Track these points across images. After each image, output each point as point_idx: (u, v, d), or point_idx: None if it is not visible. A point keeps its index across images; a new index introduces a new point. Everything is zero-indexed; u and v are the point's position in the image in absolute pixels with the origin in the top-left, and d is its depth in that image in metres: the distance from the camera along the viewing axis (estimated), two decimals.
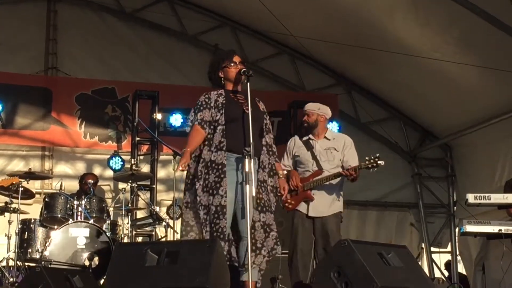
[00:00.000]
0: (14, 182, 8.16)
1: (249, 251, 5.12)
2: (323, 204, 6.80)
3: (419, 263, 11.35)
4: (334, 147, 6.87)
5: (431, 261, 12.08)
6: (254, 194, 5.15)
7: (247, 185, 5.14)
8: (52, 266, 7.84)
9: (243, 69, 5.50)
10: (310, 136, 6.95)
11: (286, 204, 6.83)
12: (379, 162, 6.56)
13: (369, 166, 6.59)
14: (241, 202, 5.29)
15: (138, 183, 9.89)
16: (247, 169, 5.17)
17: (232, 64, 5.60)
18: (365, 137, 12.18)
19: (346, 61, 11.62)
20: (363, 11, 9.66)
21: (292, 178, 6.78)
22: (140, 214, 10.06)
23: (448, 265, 12.05)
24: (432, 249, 12.22)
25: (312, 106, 7.04)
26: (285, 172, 6.23)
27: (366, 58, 10.63)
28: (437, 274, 11.96)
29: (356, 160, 6.79)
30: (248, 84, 5.43)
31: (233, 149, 5.38)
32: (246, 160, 5.18)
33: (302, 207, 6.81)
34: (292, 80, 12.19)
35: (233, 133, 5.40)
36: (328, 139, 6.94)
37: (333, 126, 10.76)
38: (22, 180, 8.27)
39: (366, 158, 6.65)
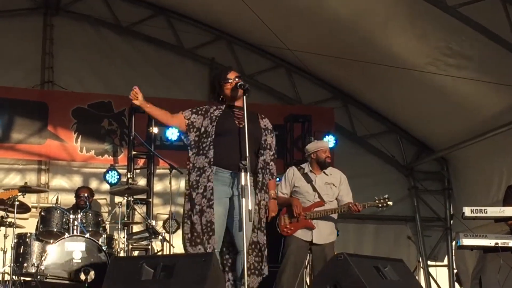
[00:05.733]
0: (12, 195, 8.14)
1: (245, 265, 5.09)
2: (326, 232, 7.17)
3: (416, 276, 11.31)
4: (333, 183, 7.27)
5: (428, 275, 12.04)
6: (250, 208, 5.12)
7: (243, 199, 5.12)
8: (48, 280, 7.81)
9: (239, 83, 5.48)
10: (310, 169, 7.29)
11: (285, 229, 7.17)
12: (389, 203, 7.06)
13: (379, 205, 7.10)
14: (238, 215, 5.26)
15: (135, 197, 9.87)
16: (243, 183, 5.14)
17: (227, 81, 5.58)
18: (362, 151, 12.20)
19: (342, 75, 11.63)
20: (360, 25, 9.69)
21: (297, 206, 7.08)
22: (136, 228, 10.01)
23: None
24: (429, 262, 12.18)
25: (327, 145, 7.55)
26: (278, 194, 6.54)
27: (362, 71, 10.65)
28: (434, 287, 11.94)
29: (350, 196, 7.30)
30: (244, 97, 5.40)
31: (222, 164, 5.35)
32: (242, 174, 5.16)
33: (302, 234, 7.11)
34: (288, 94, 12.19)
35: (223, 147, 5.36)
36: (327, 174, 7.31)
37: (330, 140, 10.85)
38: (19, 193, 8.25)
39: (376, 198, 7.12)
